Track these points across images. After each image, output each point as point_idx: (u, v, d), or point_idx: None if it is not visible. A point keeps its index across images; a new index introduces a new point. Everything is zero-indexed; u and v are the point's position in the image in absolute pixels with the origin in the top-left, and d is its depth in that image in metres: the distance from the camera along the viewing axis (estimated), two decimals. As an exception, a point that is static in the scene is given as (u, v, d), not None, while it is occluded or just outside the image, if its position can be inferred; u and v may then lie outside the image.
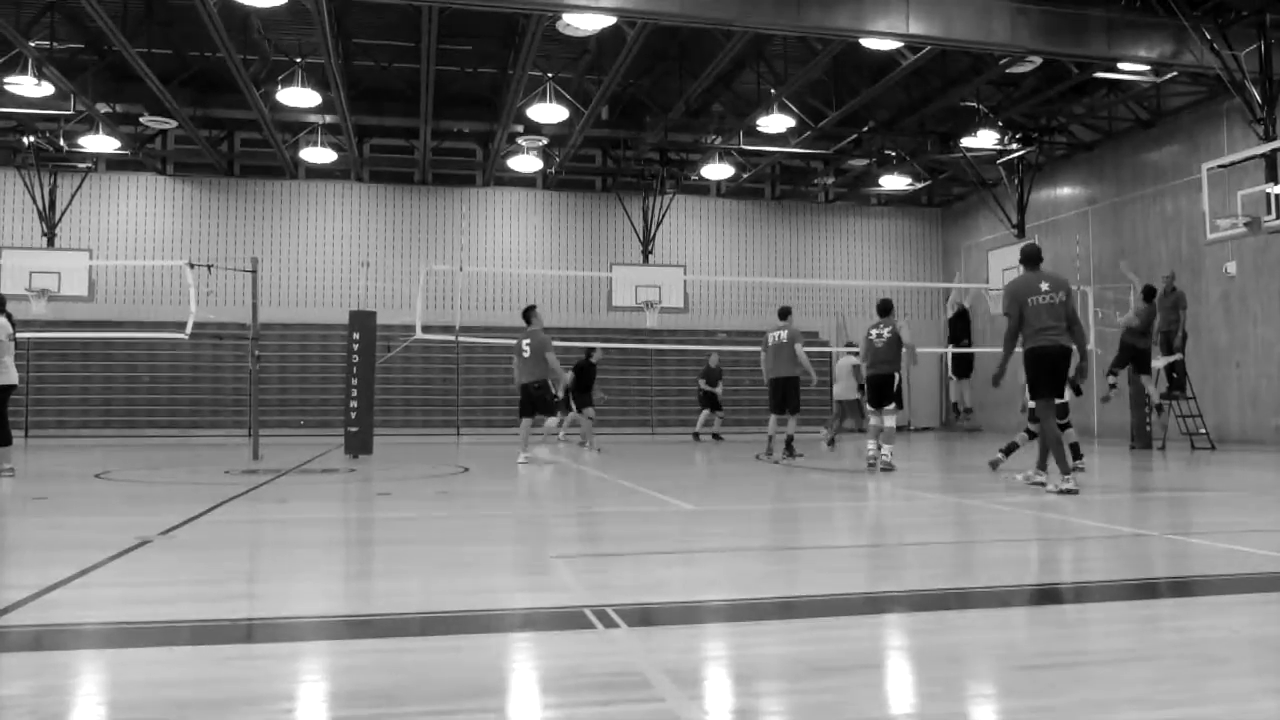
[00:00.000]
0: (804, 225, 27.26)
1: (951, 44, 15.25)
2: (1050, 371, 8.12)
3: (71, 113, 19.70)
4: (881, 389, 11.31)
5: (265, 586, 4.47)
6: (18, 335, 11.01)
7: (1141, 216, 20.65)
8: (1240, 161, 15.07)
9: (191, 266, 16.81)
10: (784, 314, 13.69)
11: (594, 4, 13.62)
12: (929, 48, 15.62)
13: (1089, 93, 19.73)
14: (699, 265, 25.99)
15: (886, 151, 23.17)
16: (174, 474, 11.50)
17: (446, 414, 24.04)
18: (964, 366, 18.51)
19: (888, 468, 10.86)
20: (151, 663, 3.00)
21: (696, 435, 20.95)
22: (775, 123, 20.07)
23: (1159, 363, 16.33)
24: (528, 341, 13.06)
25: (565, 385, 12.72)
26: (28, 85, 17.24)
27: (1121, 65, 16.69)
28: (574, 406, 17.22)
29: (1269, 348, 17.37)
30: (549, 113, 19.68)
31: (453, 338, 17.84)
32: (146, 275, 23.39)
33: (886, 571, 4.79)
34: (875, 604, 3.92)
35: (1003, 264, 22.81)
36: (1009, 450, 10.56)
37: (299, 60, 18.59)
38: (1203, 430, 16.03)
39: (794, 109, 20.14)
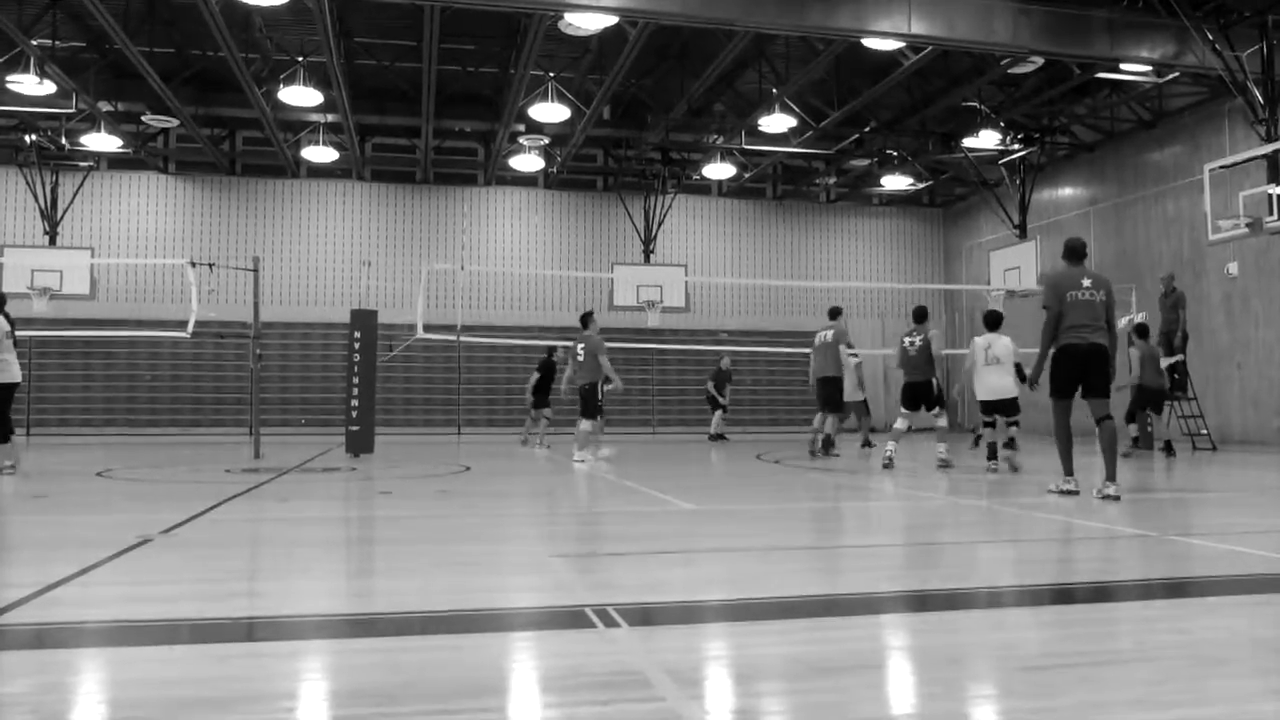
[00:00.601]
0: (805, 225, 27.25)
1: (953, 44, 15.24)
2: (1080, 372, 7.80)
3: (73, 111, 19.71)
4: (917, 396, 11.51)
5: (266, 585, 4.47)
6: (18, 334, 11.09)
7: (1143, 217, 20.64)
8: (1242, 162, 15.07)
9: (193, 265, 16.85)
10: (834, 314, 13.84)
11: (596, 3, 13.62)
12: (931, 48, 15.61)
13: (1091, 93, 19.72)
14: (700, 265, 26.00)
15: (888, 151, 23.15)
16: (175, 472, 11.51)
17: (447, 413, 24.06)
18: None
19: (945, 464, 11.14)
20: (152, 661, 3.01)
21: (713, 436, 21.03)
22: (777, 122, 20.06)
23: (1160, 363, 16.31)
24: (582, 345, 13.27)
25: (615, 390, 12.94)
26: (30, 84, 17.25)
27: (1123, 66, 16.68)
28: (533, 404, 17.44)
29: (1270, 349, 17.37)
30: (550, 112, 19.69)
31: (454, 337, 17.85)
32: (148, 274, 23.40)
33: (887, 571, 4.79)
34: (875, 604, 3.92)
35: (1004, 264, 22.80)
36: (992, 452, 10.78)
37: (301, 59, 18.60)
38: (1204, 431, 16.03)
39: (795, 109, 20.13)
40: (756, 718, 2.49)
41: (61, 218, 22.99)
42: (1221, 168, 15.26)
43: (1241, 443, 17.56)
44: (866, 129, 21.81)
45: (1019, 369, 11.18)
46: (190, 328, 16.58)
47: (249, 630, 3.46)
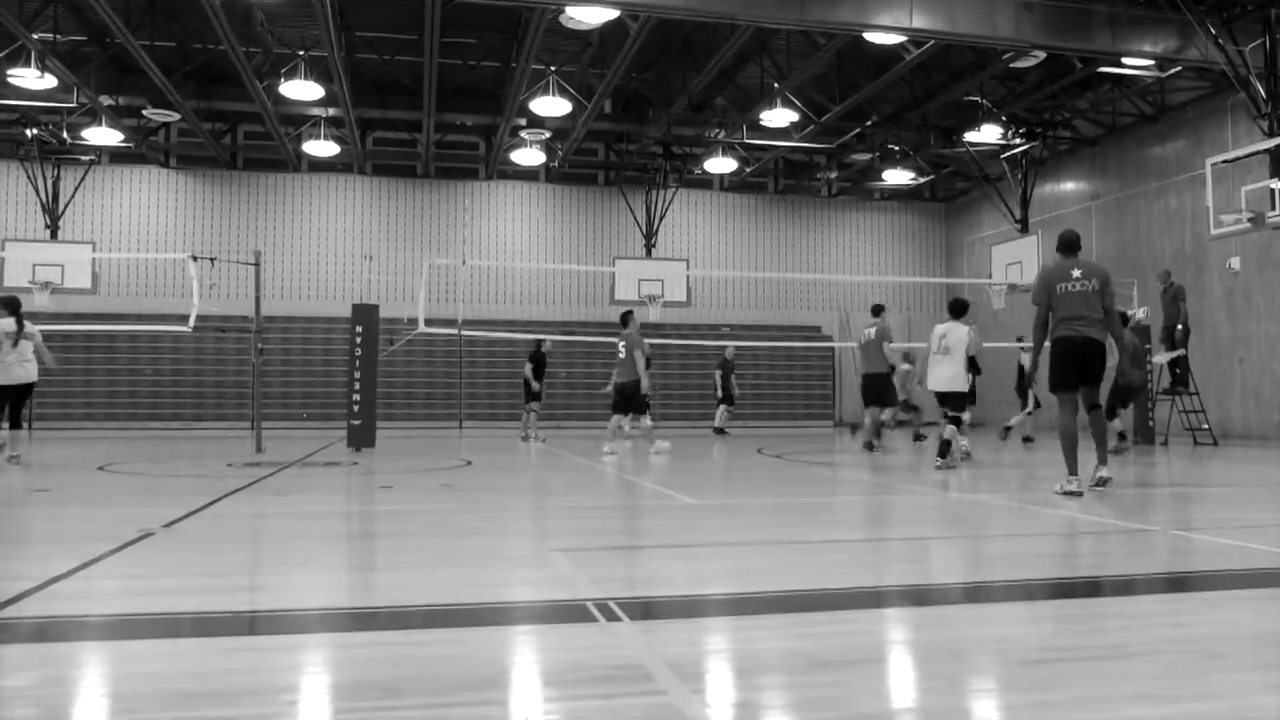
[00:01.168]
0: (807, 219, 27.23)
1: (955, 38, 15.22)
2: (1077, 365, 7.68)
3: (75, 105, 19.70)
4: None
5: (268, 579, 4.48)
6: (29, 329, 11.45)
7: (1145, 212, 20.61)
8: (1244, 157, 15.05)
9: (194, 259, 16.84)
10: (876, 311, 13.95)
11: (597, -3, 13.63)
12: (932, 42, 15.60)
13: (1093, 88, 19.69)
14: (702, 259, 25.98)
15: (890, 146, 23.14)
16: (177, 467, 11.52)
17: (449, 407, 24.07)
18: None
19: (966, 456, 11.30)
20: (154, 655, 3.01)
21: (717, 430, 21.05)
22: (778, 117, 20.04)
23: (1161, 358, 16.32)
24: (623, 343, 13.56)
25: (644, 390, 13.30)
26: (31, 78, 17.25)
27: (1126, 60, 16.66)
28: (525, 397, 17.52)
29: (1272, 343, 17.36)
30: (552, 106, 19.67)
31: (455, 331, 17.84)
32: (150, 268, 23.41)
33: (888, 566, 4.80)
34: (877, 598, 3.93)
35: (1006, 259, 22.78)
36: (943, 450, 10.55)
37: (302, 53, 18.58)
38: (1205, 426, 16.03)
39: (797, 103, 20.11)
40: (758, 712, 2.50)
41: (63, 212, 22.99)
42: (1224, 162, 15.24)
43: (1243, 437, 17.55)
44: (868, 123, 21.78)
45: (973, 361, 10.81)
46: (192, 322, 16.59)
47: (251, 624, 3.46)
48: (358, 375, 14.63)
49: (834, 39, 16.00)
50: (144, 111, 20.43)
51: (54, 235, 22.70)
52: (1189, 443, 15.98)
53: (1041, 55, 16.91)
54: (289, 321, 23.70)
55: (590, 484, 9.42)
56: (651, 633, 3.28)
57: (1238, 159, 15.18)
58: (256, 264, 14.43)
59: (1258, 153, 14.77)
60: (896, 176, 24.90)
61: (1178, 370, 16.20)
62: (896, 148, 23.14)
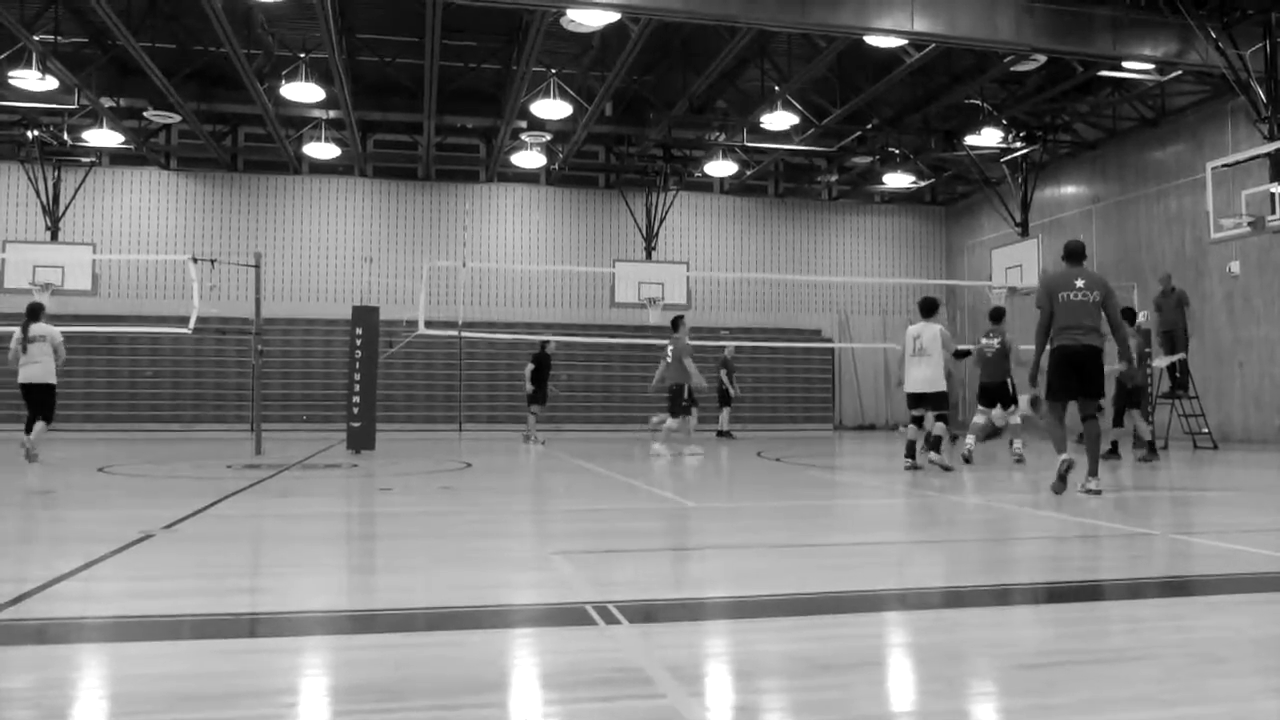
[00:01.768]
0: (807, 223, 27.24)
1: (956, 41, 15.23)
2: (1075, 373, 7.74)
3: (75, 107, 19.72)
4: (995, 394, 11.56)
5: (268, 581, 4.48)
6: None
7: (1145, 215, 20.62)
8: (1244, 161, 15.05)
9: (195, 261, 16.86)
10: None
11: (598, 0, 13.62)
12: (933, 45, 15.61)
13: (1093, 91, 19.70)
14: (702, 262, 25.99)
15: (890, 149, 23.15)
16: (177, 468, 11.51)
17: (449, 409, 24.07)
18: None
19: (1020, 459, 11.42)
20: (154, 656, 3.01)
21: (721, 433, 21.06)
22: (779, 120, 20.05)
23: (1161, 362, 16.32)
24: (671, 347, 13.64)
25: (697, 388, 13.47)
26: (32, 79, 17.26)
27: (1126, 64, 16.67)
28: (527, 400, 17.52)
29: (1272, 347, 17.36)
30: (552, 109, 19.68)
31: (455, 333, 17.85)
32: (150, 270, 23.41)
33: (888, 569, 4.79)
34: (877, 601, 3.92)
35: (1006, 262, 22.77)
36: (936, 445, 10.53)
37: (303, 55, 18.59)
38: (1205, 430, 16.03)
39: (798, 106, 20.12)
40: (757, 715, 2.49)
41: (63, 213, 23.01)
42: (1224, 166, 15.24)
43: (1243, 441, 17.55)
44: (868, 126, 21.80)
45: (960, 353, 10.86)
46: (192, 324, 16.60)
47: (251, 626, 3.46)
48: (358, 377, 14.63)
49: (835, 42, 16.02)
50: (145, 113, 20.44)
51: (54, 237, 22.71)
52: (1189, 447, 15.98)
53: (1042, 59, 16.93)
54: (289, 323, 23.71)
55: (590, 487, 9.42)
56: (651, 636, 3.28)
57: (1238, 163, 15.19)
58: (257, 266, 14.44)
59: (1258, 156, 14.78)
60: (897, 180, 24.92)
61: (1178, 374, 16.19)
62: (897, 151, 23.15)
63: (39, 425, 11.89)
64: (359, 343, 14.68)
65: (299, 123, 22.16)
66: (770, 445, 16.77)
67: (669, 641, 3.21)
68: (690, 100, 19.69)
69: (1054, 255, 22.37)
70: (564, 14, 14.99)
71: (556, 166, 24.24)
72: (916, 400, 10.62)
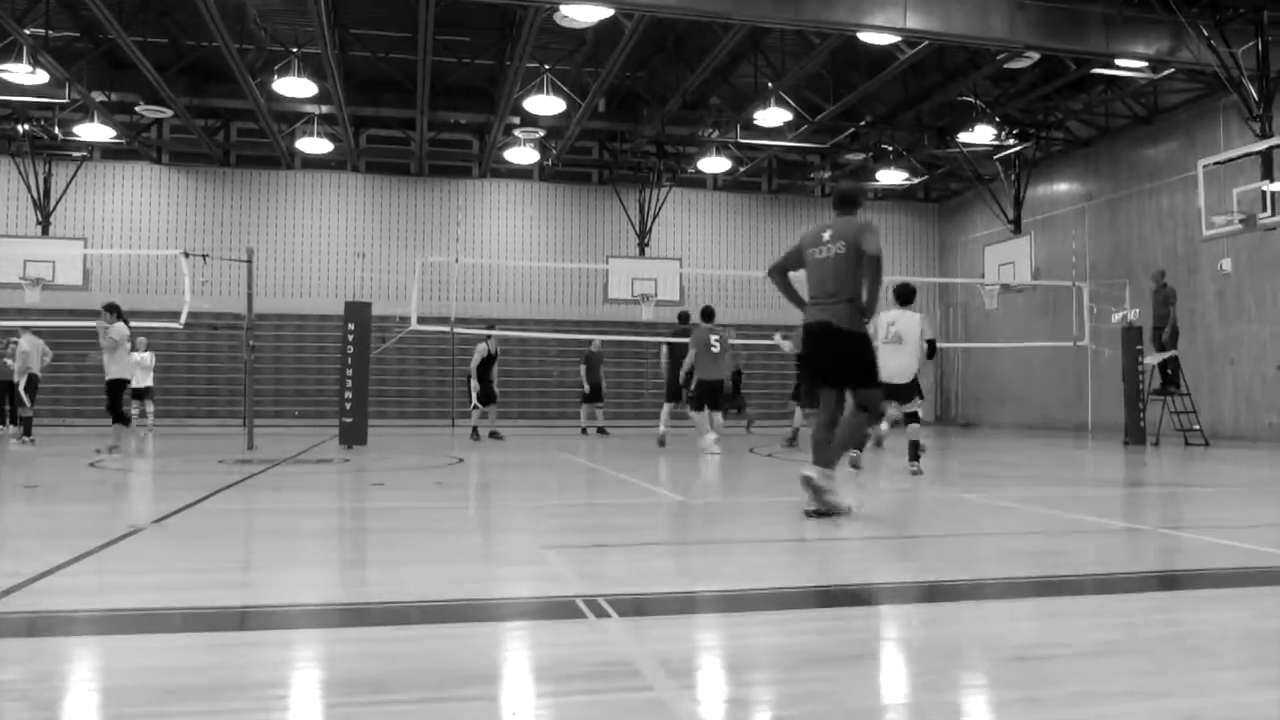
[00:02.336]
0: (800, 219, 27.25)
1: (949, 39, 15.23)
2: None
3: (67, 101, 19.62)
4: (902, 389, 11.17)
5: (257, 575, 4.47)
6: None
7: (1138, 213, 20.67)
8: (1236, 158, 15.10)
9: (187, 256, 16.80)
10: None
11: (592, -5, 13.61)
12: (927, 42, 15.61)
13: (1086, 89, 19.74)
14: (695, 258, 25.99)
15: (883, 146, 23.16)
16: (167, 463, 11.49)
17: (441, 405, 24.05)
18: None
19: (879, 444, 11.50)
20: (143, 650, 3.00)
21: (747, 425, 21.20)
22: (772, 116, 20.04)
23: (1152, 359, 16.39)
24: (716, 338, 13.54)
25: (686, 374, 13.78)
26: (22, 73, 17.16)
27: (1119, 61, 16.70)
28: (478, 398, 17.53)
29: (1263, 344, 17.42)
30: (546, 104, 19.65)
31: (448, 329, 17.83)
32: (141, 264, 23.34)
33: (879, 563, 4.80)
34: (867, 595, 3.93)
35: (998, 259, 22.86)
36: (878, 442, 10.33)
37: (295, 50, 18.54)
38: (1196, 426, 16.09)
39: (791, 103, 20.12)
40: (747, 707, 2.49)
41: (54, 208, 22.92)
42: (1216, 164, 15.29)
43: (1234, 438, 17.61)
44: (862, 123, 21.81)
45: (932, 345, 10.26)
46: (183, 319, 16.55)
47: (241, 619, 3.46)
48: (350, 373, 14.61)
49: (828, 39, 16.01)
50: (136, 108, 20.36)
51: (45, 231, 22.62)
52: (1180, 443, 16.03)
53: (1035, 56, 16.94)
54: (281, 318, 23.66)
55: (582, 482, 9.42)
56: (640, 629, 3.28)
57: (1230, 160, 15.24)
58: (249, 261, 14.41)
59: (1249, 154, 14.82)
60: (890, 176, 24.93)
61: (1169, 371, 16.26)
62: (890, 148, 23.17)
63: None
64: (351, 338, 14.66)
65: (291, 118, 22.10)
66: (763, 441, 16.77)
67: (659, 635, 3.21)
68: (684, 96, 19.67)
69: (1047, 252, 22.51)
70: (558, 9, 14.96)
71: (550, 162, 24.20)
72: (891, 391, 9.91)
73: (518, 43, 16.62)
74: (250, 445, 13.50)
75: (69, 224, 23.03)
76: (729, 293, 26.46)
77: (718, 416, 13.46)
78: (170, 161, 24.01)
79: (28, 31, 16.25)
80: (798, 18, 14.41)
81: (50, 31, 17.01)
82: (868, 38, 15.53)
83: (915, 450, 9.77)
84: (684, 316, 16.67)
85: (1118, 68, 17.43)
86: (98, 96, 19.41)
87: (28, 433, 15.16)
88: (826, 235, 6.35)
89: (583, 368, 20.68)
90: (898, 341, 9.95)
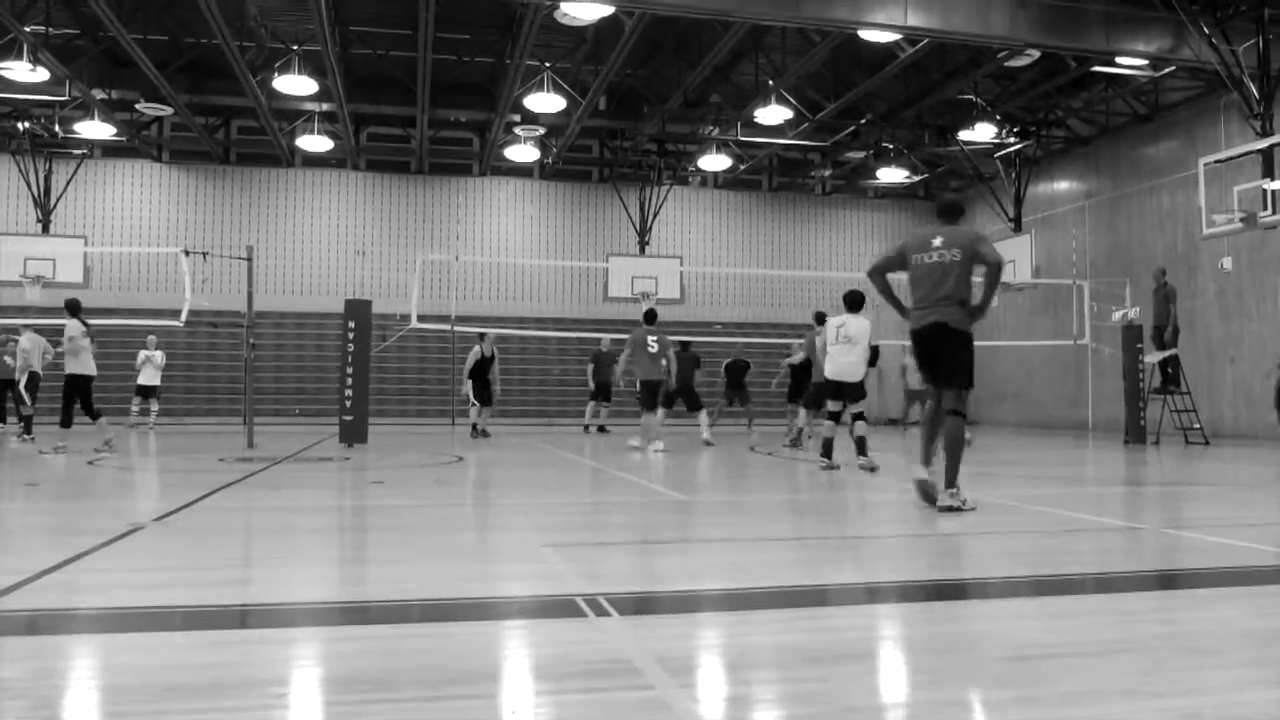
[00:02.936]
0: (801, 217, 27.24)
1: (950, 37, 15.23)
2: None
3: (67, 98, 19.61)
4: (851, 387, 11.24)
5: (258, 572, 4.47)
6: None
7: (1138, 211, 20.66)
8: (1237, 157, 15.07)
9: (187, 254, 16.80)
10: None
11: (592, -7, 13.61)
12: (927, 40, 15.60)
13: (1087, 87, 19.72)
14: (696, 256, 25.98)
15: (884, 144, 23.15)
16: (168, 461, 11.50)
17: (441, 403, 24.05)
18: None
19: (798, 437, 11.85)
20: (144, 647, 3.01)
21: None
22: (773, 114, 20.03)
23: (1152, 358, 16.39)
24: (654, 339, 13.85)
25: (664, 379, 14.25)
26: (22, 70, 17.15)
27: (1119, 60, 16.69)
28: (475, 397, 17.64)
29: (1264, 343, 17.41)
30: (546, 102, 19.64)
31: (448, 327, 17.83)
32: (142, 262, 23.34)
33: (877, 562, 4.80)
34: (866, 594, 3.93)
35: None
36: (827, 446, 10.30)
37: (296, 47, 18.52)
38: (1197, 425, 16.09)
39: (792, 101, 20.11)
40: (746, 706, 2.50)
41: (55, 205, 22.92)
42: (1217, 162, 15.27)
43: (1234, 437, 17.61)
44: (862, 121, 21.80)
45: (875, 351, 10.52)
46: (184, 317, 16.55)
47: (241, 617, 3.46)
48: (350, 371, 14.61)
49: (829, 36, 16.00)
50: (136, 105, 20.35)
51: (46, 229, 22.62)
52: (1180, 442, 16.03)
53: (1036, 54, 16.93)
54: (281, 316, 23.65)
55: (582, 480, 9.42)
56: (640, 628, 3.28)
57: (1230, 159, 15.21)
58: (249, 259, 14.40)
59: (1250, 153, 14.80)
60: (890, 175, 24.92)
61: (1169, 370, 16.26)
62: (891, 146, 23.16)
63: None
64: (351, 336, 14.66)
65: (292, 115, 22.09)
66: (763, 439, 16.79)
67: (658, 633, 3.21)
68: (684, 94, 19.66)
69: (1047, 251, 22.49)
70: (558, 7, 14.96)
71: (550, 160, 24.19)
72: (836, 389, 10.21)
73: (518, 40, 16.62)
74: (250, 443, 13.50)
75: (69, 222, 23.03)
76: (729, 291, 26.45)
77: (658, 415, 14.00)
78: (170, 159, 24.00)
79: (28, 29, 16.24)
80: (798, 15, 14.40)
81: (50, 29, 17.00)
82: (868, 35, 15.52)
83: (862, 446, 10.02)
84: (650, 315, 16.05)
85: (1118, 65, 17.41)
86: (98, 94, 19.40)
87: (28, 430, 15.17)
88: (937, 241, 6.78)
89: (591, 366, 20.66)
90: (848, 342, 10.17)
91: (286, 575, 4.30)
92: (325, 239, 24.39)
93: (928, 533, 5.77)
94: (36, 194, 22.64)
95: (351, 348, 14.65)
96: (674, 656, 2.87)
